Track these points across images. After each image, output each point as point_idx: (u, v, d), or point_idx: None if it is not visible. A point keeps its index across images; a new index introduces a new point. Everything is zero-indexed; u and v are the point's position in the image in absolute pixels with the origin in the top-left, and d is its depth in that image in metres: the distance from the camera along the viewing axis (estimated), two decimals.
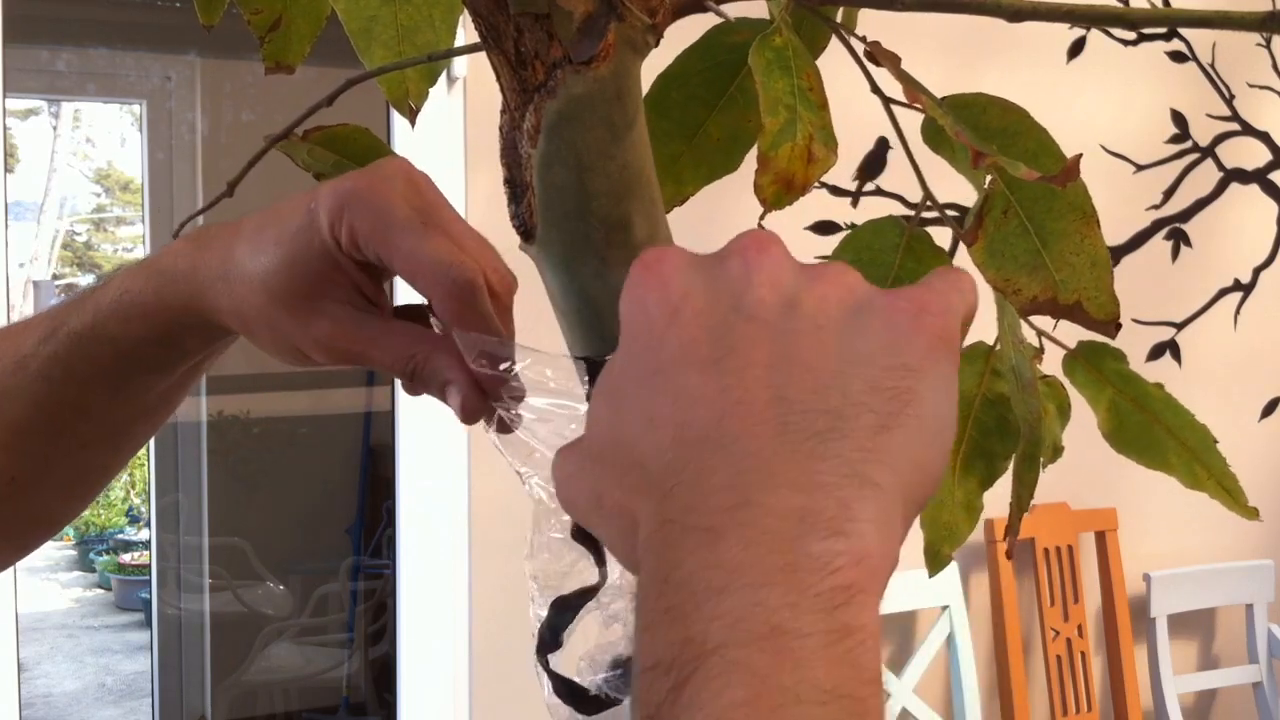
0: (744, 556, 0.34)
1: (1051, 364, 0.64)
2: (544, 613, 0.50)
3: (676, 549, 0.35)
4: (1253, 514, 0.61)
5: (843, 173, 2.60)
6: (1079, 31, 2.80)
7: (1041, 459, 0.60)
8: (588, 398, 0.48)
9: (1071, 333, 0.61)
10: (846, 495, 0.35)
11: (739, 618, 0.33)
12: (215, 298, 0.55)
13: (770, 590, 0.33)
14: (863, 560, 0.34)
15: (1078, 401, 0.65)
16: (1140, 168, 2.93)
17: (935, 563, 0.63)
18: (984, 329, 0.62)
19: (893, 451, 0.36)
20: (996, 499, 0.65)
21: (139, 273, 0.57)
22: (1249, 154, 3.04)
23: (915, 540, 0.64)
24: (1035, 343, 0.63)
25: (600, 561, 0.50)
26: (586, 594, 0.50)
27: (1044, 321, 0.60)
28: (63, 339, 0.58)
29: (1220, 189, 3.02)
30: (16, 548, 0.66)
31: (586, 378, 0.49)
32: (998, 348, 0.61)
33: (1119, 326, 0.57)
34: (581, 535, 0.49)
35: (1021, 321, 0.60)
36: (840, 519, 0.34)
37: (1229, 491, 0.61)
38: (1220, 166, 3.02)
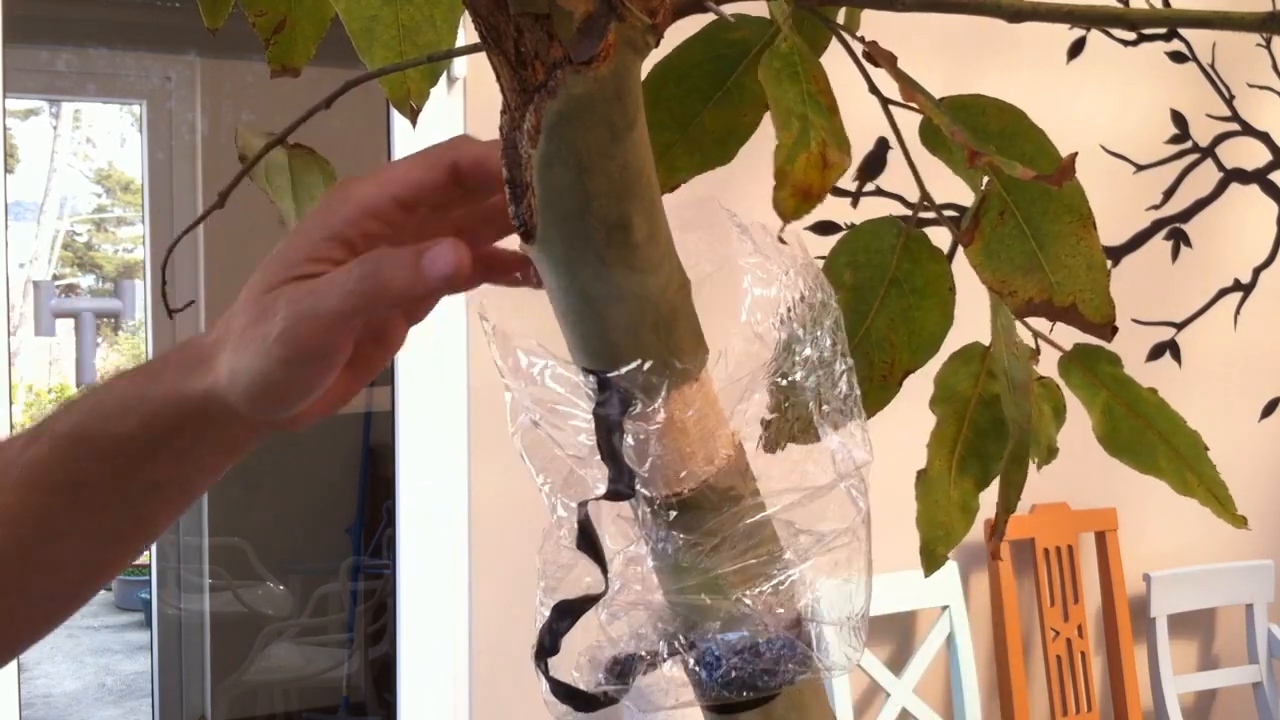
0: None
1: (1048, 366, 0.64)
2: (546, 611, 0.50)
3: None
4: (1241, 522, 0.61)
5: None
6: (1079, 31, 2.80)
7: (1035, 460, 0.60)
8: (593, 411, 0.49)
9: (1069, 335, 0.61)
10: None
11: None
12: (203, 372, 0.53)
13: None
14: None
15: (1078, 402, 0.65)
16: (1140, 168, 2.93)
17: (931, 563, 0.63)
18: (979, 329, 0.62)
19: None
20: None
21: (126, 374, 0.56)
22: (1249, 154, 3.05)
23: (913, 541, 0.64)
24: (1031, 344, 0.62)
25: (604, 570, 0.50)
26: (589, 601, 0.50)
27: (1041, 324, 0.60)
28: (46, 442, 0.56)
29: (1220, 189, 3.02)
30: None
31: (591, 390, 0.49)
32: (993, 349, 0.60)
33: (1115, 330, 0.57)
34: (585, 544, 0.50)
35: (1018, 323, 0.60)
36: None
37: (1218, 499, 0.61)
38: (1220, 166, 3.02)
